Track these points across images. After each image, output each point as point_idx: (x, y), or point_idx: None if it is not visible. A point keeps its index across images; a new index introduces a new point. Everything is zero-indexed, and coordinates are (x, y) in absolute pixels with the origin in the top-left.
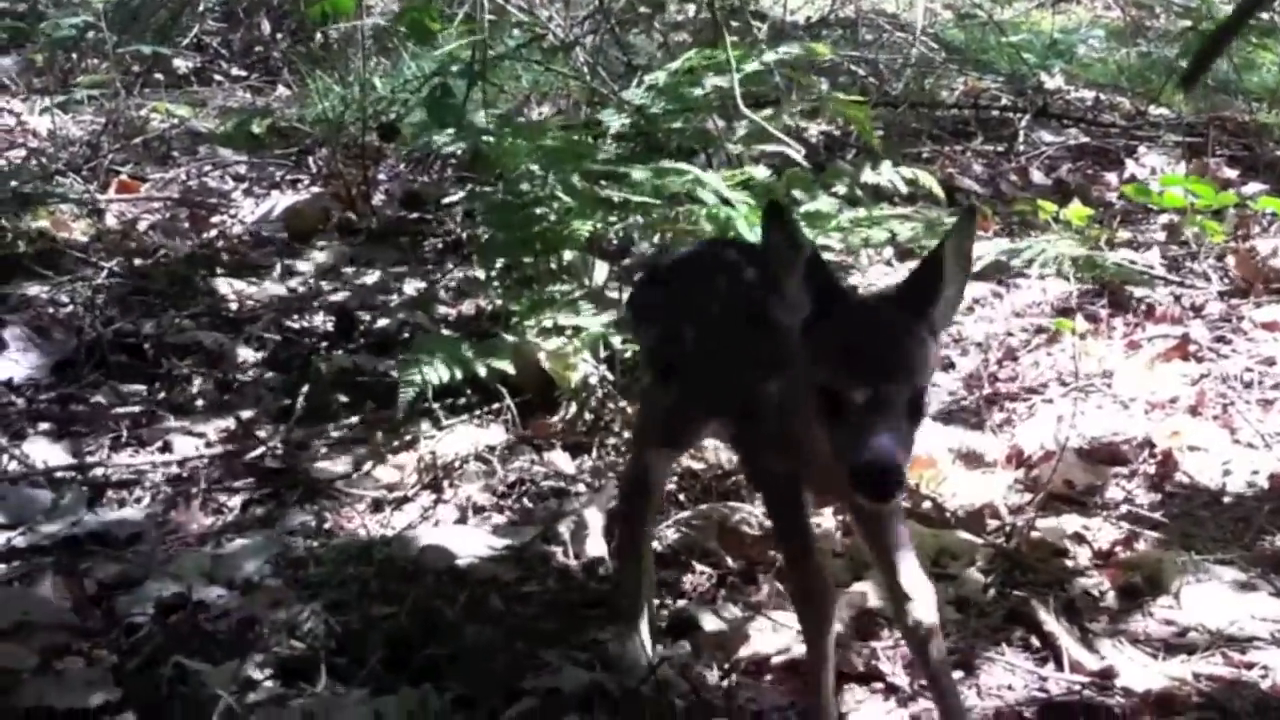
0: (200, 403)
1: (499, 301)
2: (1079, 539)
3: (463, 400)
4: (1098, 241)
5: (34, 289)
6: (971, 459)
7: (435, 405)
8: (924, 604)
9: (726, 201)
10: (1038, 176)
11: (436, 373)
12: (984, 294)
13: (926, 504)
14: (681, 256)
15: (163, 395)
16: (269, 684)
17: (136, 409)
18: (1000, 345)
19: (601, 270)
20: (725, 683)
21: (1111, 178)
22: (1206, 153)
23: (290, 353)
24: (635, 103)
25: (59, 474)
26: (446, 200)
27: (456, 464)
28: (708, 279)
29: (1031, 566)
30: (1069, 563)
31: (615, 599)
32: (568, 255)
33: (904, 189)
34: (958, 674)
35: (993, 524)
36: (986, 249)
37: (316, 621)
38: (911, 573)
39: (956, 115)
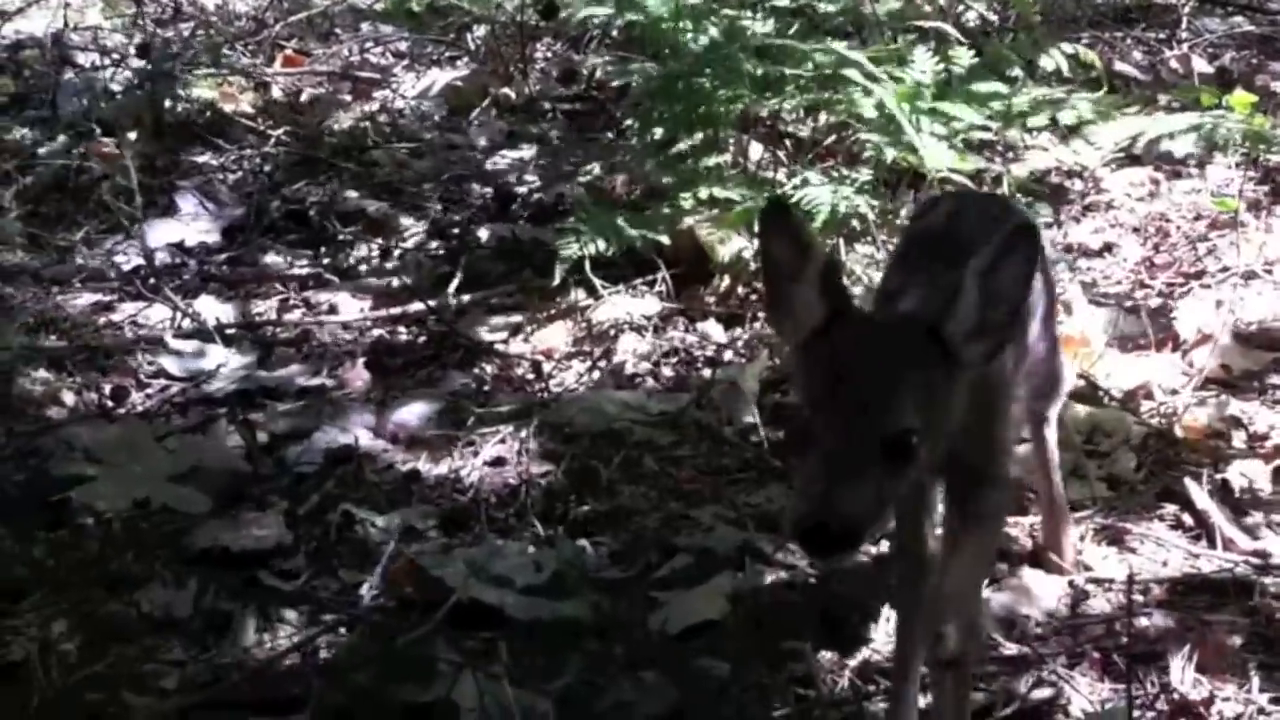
0: (364, 268)
1: (654, 176)
2: (1235, 422)
3: (618, 271)
4: (1262, 128)
5: (204, 156)
6: (1127, 341)
7: (592, 275)
8: (952, 630)
9: (877, 79)
10: (1200, 65)
11: (593, 243)
12: (1142, 179)
13: (1080, 382)
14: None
15: (328, 260)
16: (432, 533)
17: (303, 272)
18: (1158, 230)
19: (756, 147)
20: (874, 549)
21: (1277, 66)
22: None
23: (450, 222)
24: None
25: (230, 331)
26: (603, 76)
27: (612, 332)
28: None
29: (1186, 447)
30: (1224, 445)
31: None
32: (723, 131)
33: (1065, 68)
34: (1110, 549)
35: (1147, 405)
36: (1146, 125)
37: (478, 476)
38: (957, 588)
39: (1117, 2)
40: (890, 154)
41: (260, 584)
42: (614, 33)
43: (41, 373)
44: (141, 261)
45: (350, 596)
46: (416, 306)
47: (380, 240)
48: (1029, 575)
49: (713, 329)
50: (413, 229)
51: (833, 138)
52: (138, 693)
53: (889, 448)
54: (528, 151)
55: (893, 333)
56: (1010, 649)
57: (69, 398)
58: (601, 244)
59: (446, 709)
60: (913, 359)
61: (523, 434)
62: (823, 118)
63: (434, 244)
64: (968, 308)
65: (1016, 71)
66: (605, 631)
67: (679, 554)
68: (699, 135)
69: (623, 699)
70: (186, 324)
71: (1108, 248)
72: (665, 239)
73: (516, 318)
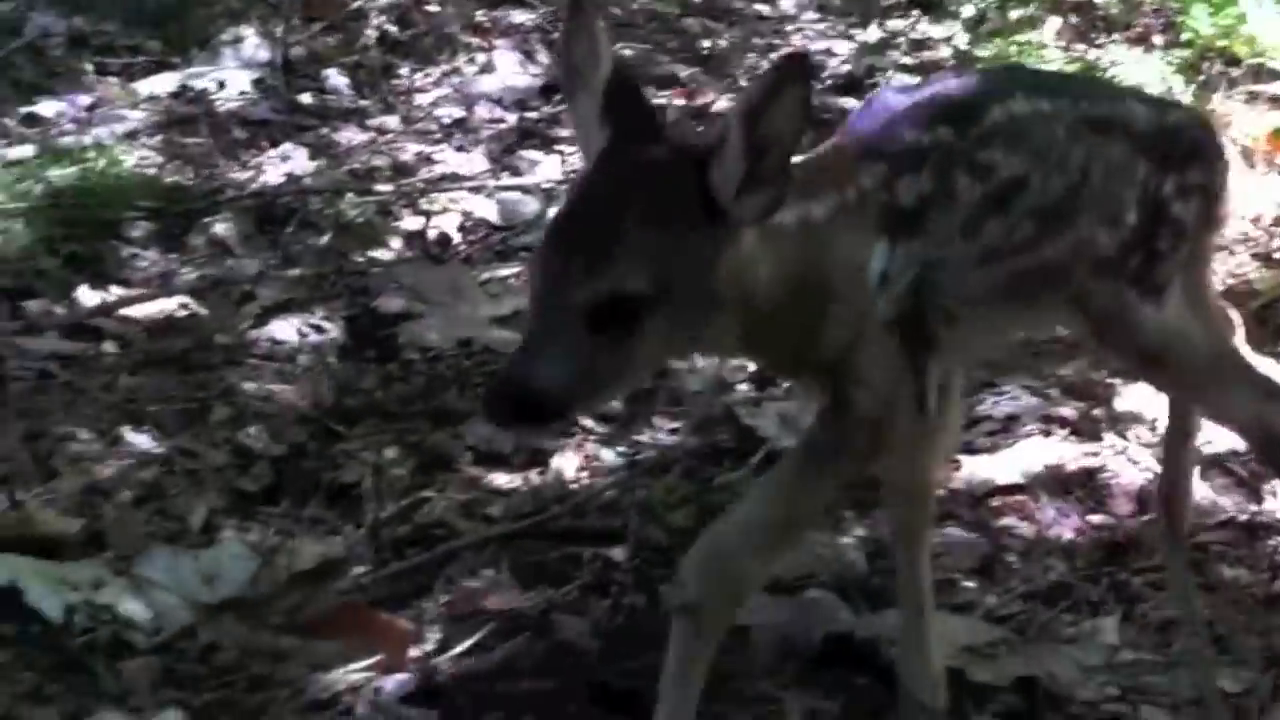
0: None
1: (967, 51)
2: None
3: None
4: None
5: (521, 16)
6: None
7: None
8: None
9: None
10: None
11: None
12: None
13: None
14: None
15: None
16: (743, 386)
17: None
18: None
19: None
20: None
21: None
22: None
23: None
24: None
25: (545, 185)
26: None
27: None
28: None
29: None
30: None
31: None
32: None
33: None
34: None
35: None
36: None
37: None
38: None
39: None
40: (1207, 29)
41: (580, 425)
42: None
43: (370, 214)
44: (463, 114)
45: (666, 441)
46: None
47: (694, 104)
48: None
49: None
50: (723, 97)
51: (1148, 14)
52: (465, 518)
53: (596, 314)
54: (837, 23)
55: (645, 175)
56: None
57: (395, 241)
58: None
59: None
60: (656, 210)
61: None
62: None
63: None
64: (734, 154)
65: None
66: None
67: (986, 420)
68: (1012, 12)
69: (933, 551)
70: (505, 176)
71: None
72: None
73: None
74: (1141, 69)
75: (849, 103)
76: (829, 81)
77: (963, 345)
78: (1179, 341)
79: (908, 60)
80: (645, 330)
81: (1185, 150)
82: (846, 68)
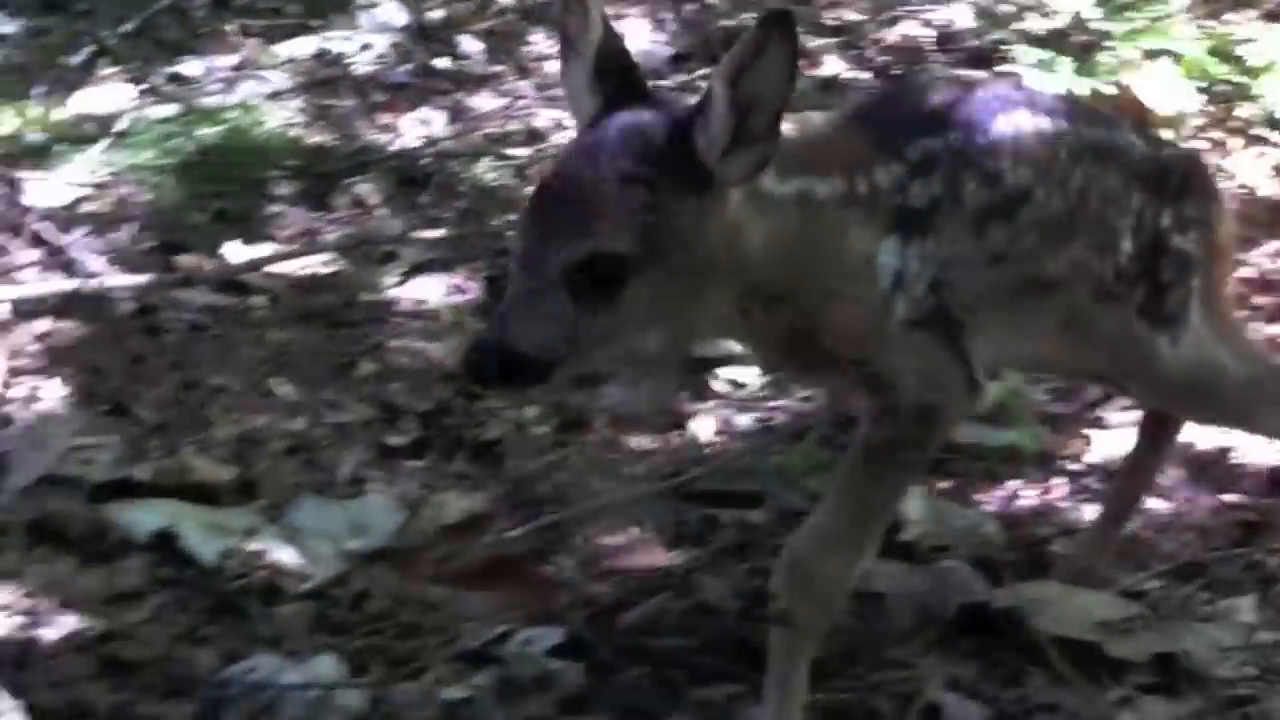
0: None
1: (1098, 23)
2: None
3: None
4: None
5: None
6: None
7: None
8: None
9: None
10: None
11: None
12: None
13: None
14: None
15: None
16: None
17: None
18: None
19: None
20: None
21: None
22: None
23: (885, 62)
24: None
25: None
26: None
27: None
28: None
29: None
30: None
31: None
32: None
33: None
34: None
35: None
36: None
37: None
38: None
39: None
40: None
41: (713, 390)
42: None
43: (506, 178)
44: None
45: (801, 407)
46: None
47: (817, 75)
48: None
49: None
50: (849, 68)
51: None
52: (603, 478)
53: (578, 275)
54: None
55: (629, 139)
56: None
57: None
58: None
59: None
60: (639, 172)
61: None
62: None
63: (865, 76)
64: (719, 115)
65: None
66: (1046, 459)
67: (1113, 398)
68: None
69: (1065, 520)
70: None
71: None
72: (1106, 89)
73: None
74: (1274, 45)
75: (977, 76)
76: (957, 52)
77: (986, 340)
78: (1207, 374)
79: (1033, 31)
80: (629, 293)
81: (1178, 184)
82: (973, 41)
